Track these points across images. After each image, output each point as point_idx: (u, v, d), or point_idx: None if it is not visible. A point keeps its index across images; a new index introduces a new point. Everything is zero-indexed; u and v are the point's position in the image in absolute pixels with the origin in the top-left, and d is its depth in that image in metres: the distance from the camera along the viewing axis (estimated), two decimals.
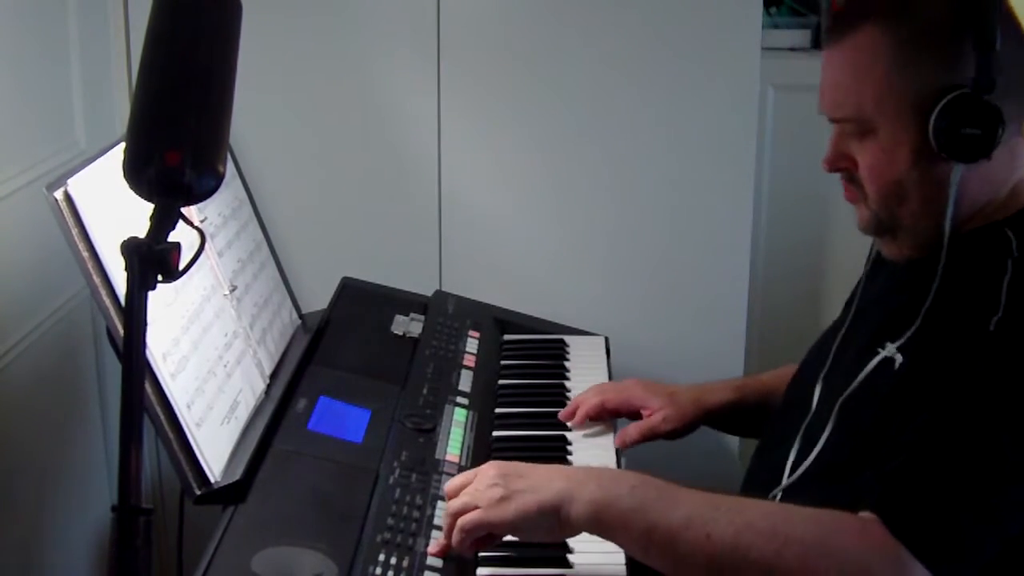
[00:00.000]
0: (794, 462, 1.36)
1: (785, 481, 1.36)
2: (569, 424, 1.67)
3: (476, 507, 1.25)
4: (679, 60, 2.13)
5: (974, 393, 1.18)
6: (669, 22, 2.11)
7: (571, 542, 1.37)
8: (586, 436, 1.66)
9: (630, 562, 1.32)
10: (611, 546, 1.29)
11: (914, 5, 1.26)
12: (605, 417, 1.68)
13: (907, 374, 1.25)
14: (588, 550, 1.34)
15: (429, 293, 2.00)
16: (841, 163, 1.33)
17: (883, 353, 1.29)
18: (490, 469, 1.29)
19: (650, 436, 1.65)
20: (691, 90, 2.14)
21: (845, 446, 1.30)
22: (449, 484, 1.33)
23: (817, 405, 1.39)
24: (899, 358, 1.26)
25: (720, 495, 1.23)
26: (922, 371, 1.23)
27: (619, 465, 1.59)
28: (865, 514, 1.17)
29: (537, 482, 1.25)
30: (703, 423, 1.68)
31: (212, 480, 1.37)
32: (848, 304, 1.50)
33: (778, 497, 1.36)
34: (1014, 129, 1.27)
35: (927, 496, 1.16)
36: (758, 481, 1.45)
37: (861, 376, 1.30)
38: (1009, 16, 1.26)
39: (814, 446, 1.32)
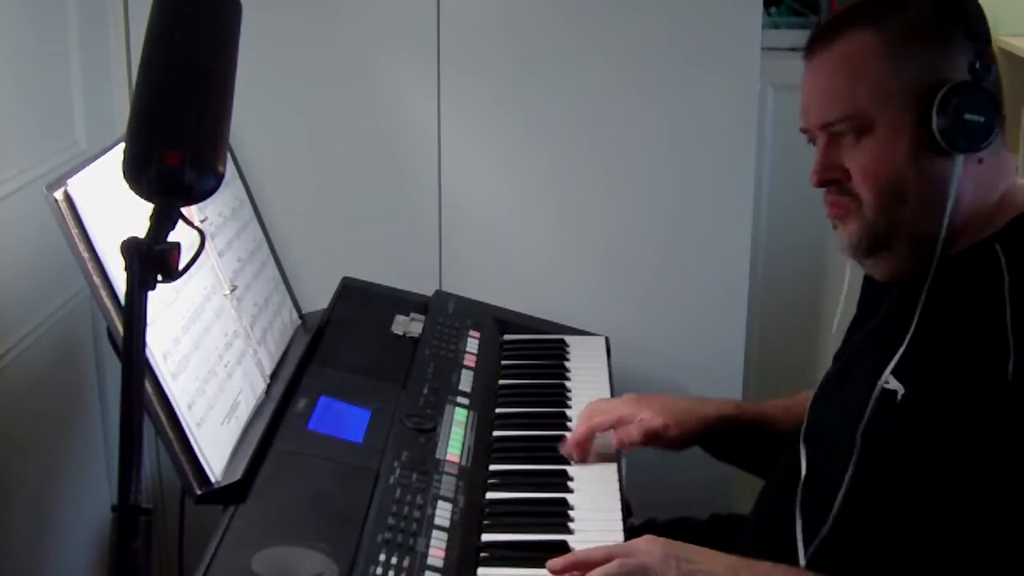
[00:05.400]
0: (805, 533, 1.31)
1: (805, 549, 1.30)
2: (572, 460, 1.58)
3: None
4: (679, 60, 2.13)
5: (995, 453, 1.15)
6: (669, 22, 2.11)
7: (571, 541, 1.37)
8: None
9: None
10: None
11: (900, 6, 1.27)
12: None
13: (912, 409, 1.22)
14: None
15: (429, 293, 2.00)
16: (832, 173, 1.29)
17: (880, 384, 1.25)
18: (652, 546, 1.27)
19: (652, 439, 1.57)
20: (691, 90, 2.14)
21: (866, 492, 1.26)
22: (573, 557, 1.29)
23: (807, 467, 1.36)
24: (900, 388, 1.23)
25: None
26: (931, 412, 1.20)
27: (619, 469, 1.58)
28: None
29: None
30: (700, 437, 1.61)
31: (213, 480, 1.37)
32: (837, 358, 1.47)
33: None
34: (1001, 142, 1.26)
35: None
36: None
37: (867, 413, 1.25)
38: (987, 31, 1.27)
39: (822, 510, 1.27)
